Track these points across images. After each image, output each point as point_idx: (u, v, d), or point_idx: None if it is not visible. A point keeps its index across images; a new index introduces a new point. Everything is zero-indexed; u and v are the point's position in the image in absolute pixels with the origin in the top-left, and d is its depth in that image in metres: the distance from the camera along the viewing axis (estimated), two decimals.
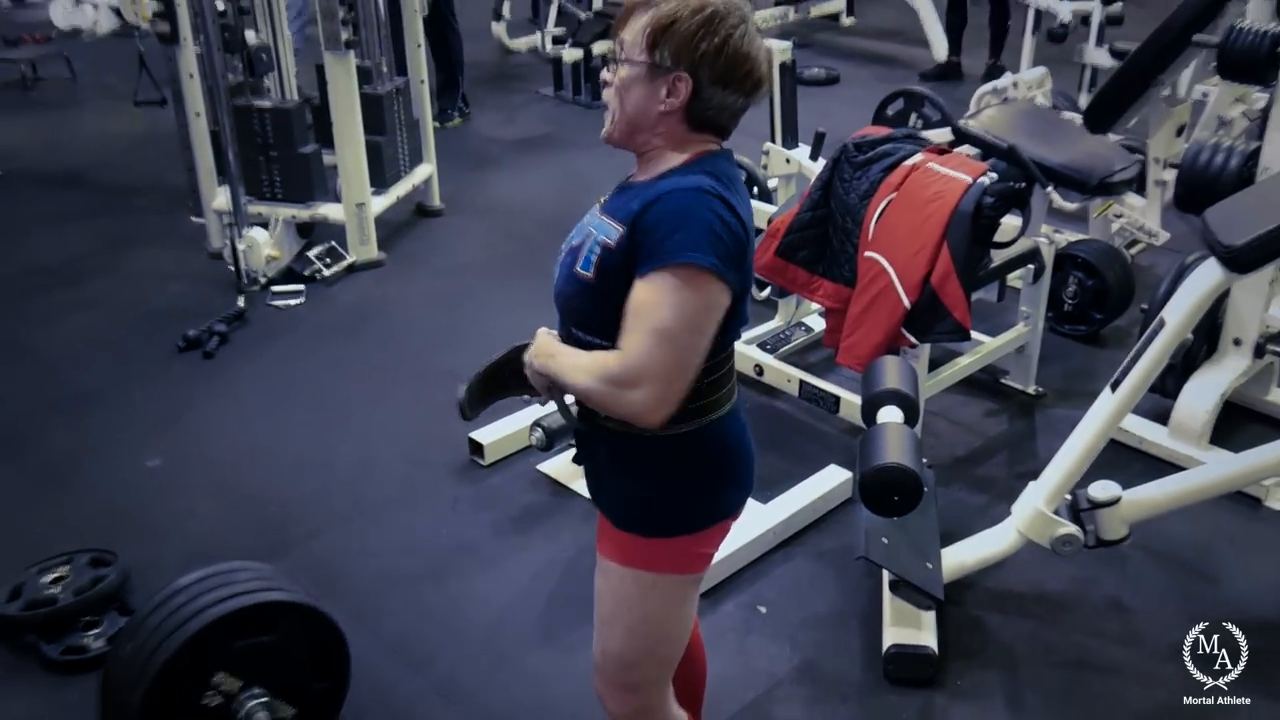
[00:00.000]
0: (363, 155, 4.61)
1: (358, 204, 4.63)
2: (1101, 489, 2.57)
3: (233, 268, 4.38)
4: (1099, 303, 4.02)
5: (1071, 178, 3.68)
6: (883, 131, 3.40)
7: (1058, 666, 2.63)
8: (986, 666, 2.62)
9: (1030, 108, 4.37)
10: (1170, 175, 4.32)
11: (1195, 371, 3.39)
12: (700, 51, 1.59)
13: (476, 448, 3.37)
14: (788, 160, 3.86)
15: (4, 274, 4.65)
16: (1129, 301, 4.04)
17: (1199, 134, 4.55)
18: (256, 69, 4.49)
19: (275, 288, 4.44)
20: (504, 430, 3.39)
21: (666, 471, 1.72)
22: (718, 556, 1.89)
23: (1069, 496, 2.64)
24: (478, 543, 3.05)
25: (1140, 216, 4.43)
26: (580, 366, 1.63)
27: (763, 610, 2.80)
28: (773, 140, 3.90)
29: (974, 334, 3.29)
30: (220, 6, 4.33)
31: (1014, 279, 3.67)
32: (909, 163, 3.18)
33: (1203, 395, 3.32)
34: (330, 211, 4.65)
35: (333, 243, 4.67)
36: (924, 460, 2.39)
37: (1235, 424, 3.44)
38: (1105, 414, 2.62)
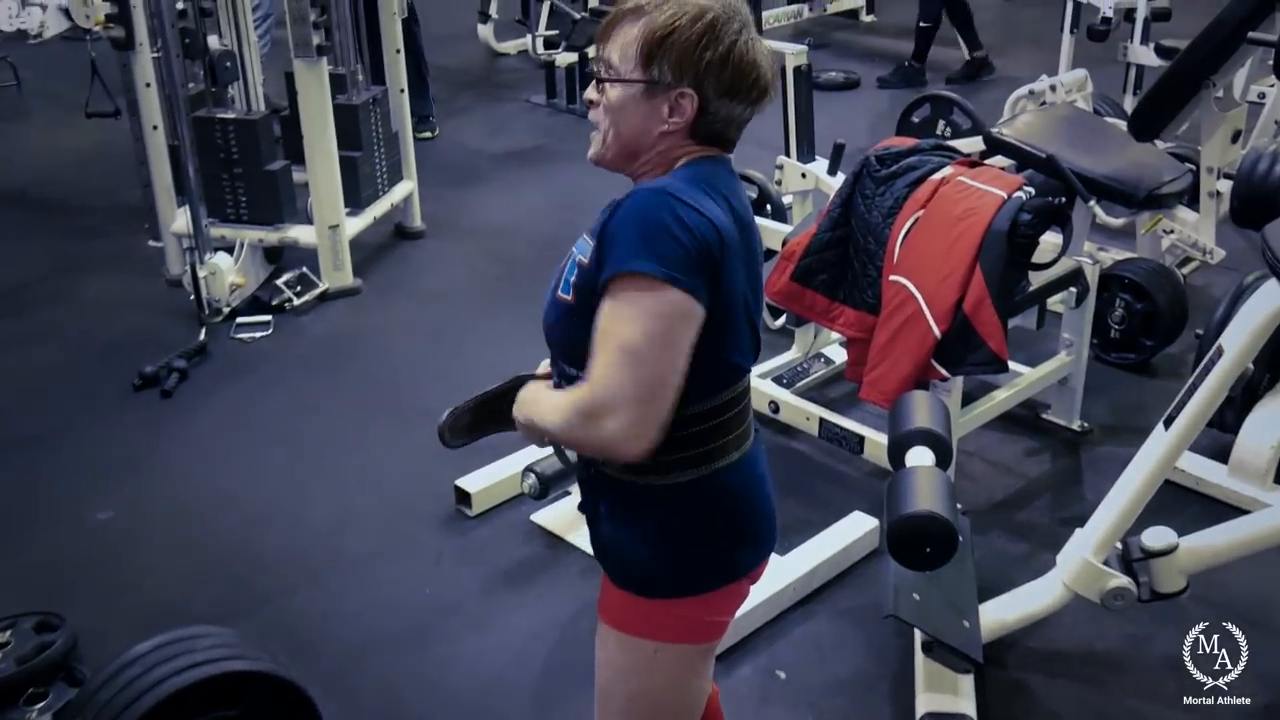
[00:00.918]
0: (336, 172, 4.62)
1: (331, 226, 4.64)
2: (1155, 536, 2.56)
3: (193, 296, 4.38)
4: (1149, 328, 4.02)
5: (1116, 190, 3.69)
6: (908, 142, 3.41)
7: None
8: None
9: (1070, 113, 4.38)
10: (1225, 186, 4.32)
11: (1257, 404, 3.39)
12: (704, 63, 1.59)
13: (463, 496, 3.36)
14: (803, 175, 3.88)
15: None
16: (1182, 327, 4.04)
17: (1256, 140, 4.56)
18: (220, 77, 4.52)
19: (240, 319, 4.45)
20: (493, 476, 3.38)
21: (668, 525, 1.70)
22: None
23: (1119, 545, 2.63)
24: (465, 602, 3.04)
25: (1193, 232, 4.44)
26: (555, 405, 1.63)
27: (781, 675, 2.78)
28: (787, 153, 3.92)
29: (1011, 365, 3.29)
30: (180, 8, 4.36)
31: (1055, 303, 3.68)
32: (937, 176, 3.19)
33: (1266, 430, 3.32)
34: (301, 234, 4.66)
35: (304, 269, 4.68)
36: (958, 506, 2.39)
37: None
38: (1158, 453, 2.61)
